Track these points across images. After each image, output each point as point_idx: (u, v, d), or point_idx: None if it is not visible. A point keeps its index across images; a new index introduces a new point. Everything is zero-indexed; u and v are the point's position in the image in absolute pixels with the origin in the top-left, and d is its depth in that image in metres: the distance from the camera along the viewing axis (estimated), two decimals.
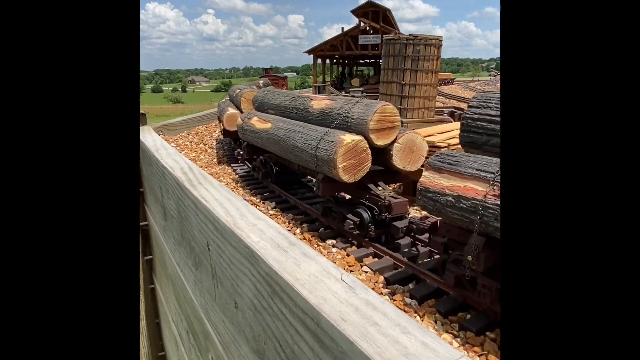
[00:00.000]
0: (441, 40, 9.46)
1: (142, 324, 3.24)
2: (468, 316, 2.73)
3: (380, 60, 10.40)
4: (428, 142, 4.44)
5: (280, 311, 0.73)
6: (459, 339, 2.50)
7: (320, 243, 4.10)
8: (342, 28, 21.79)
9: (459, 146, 3.27)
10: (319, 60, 23.15)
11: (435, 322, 2.68)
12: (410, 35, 9.30)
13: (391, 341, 0.51)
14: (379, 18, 20.20)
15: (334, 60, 25.24)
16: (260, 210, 4.78)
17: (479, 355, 2.36)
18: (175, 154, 2.02)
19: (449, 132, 6.14)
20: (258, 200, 5.50)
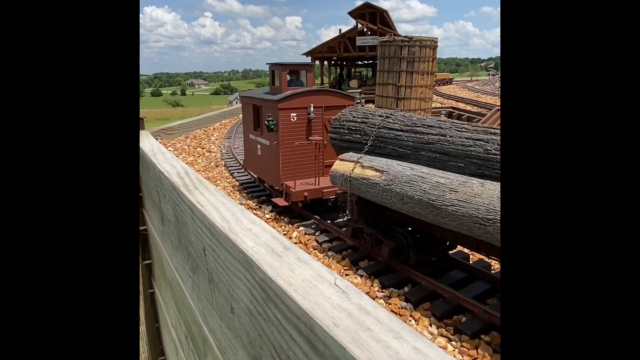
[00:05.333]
0: (436, 42, 9.48)
1: (142, 328, 3.23)
2: (463, 319, 2.71)
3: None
4: None
5: (275, 317, 0.72)
6: (453, 343, 2.48)
7: (316, 247, 4.09)
8: (340, 30, 21.81)
9: None
10: (317, 62, 23.16)
11: (430, 325, 2.66)
12: (405, 37, 9.33)
13: (383, 347, 0.51)
14: (377, 19, 20.21)
15: (332, 62, 25.26)
16: (257, 215, 4.77)
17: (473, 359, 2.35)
18: (172, 159, 2.02)
19: None
20: (254, 204, 5.46)
